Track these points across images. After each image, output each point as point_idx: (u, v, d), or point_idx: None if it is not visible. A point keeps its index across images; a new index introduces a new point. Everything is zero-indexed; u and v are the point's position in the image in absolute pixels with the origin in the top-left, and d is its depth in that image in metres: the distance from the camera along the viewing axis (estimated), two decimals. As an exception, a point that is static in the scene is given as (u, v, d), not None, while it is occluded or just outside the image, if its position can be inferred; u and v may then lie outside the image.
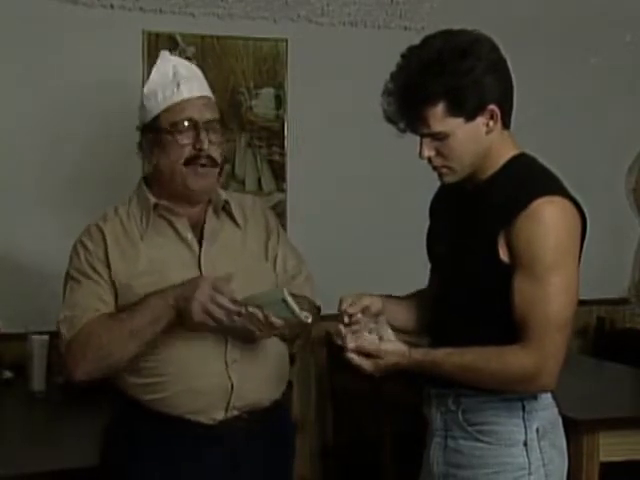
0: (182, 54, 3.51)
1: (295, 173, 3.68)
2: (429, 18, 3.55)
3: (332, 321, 2.04)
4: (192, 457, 2.14)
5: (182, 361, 2.12)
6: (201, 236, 2.22)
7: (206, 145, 2.17)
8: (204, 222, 2.24)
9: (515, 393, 1.92)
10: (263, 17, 3.62)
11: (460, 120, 1.88)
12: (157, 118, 2.20)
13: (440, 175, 1.97)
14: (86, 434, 2.49)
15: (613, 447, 2.77)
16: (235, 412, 2.15)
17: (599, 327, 4.01)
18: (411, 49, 1.92)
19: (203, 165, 2.18)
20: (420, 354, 1.92)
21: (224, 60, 3.57)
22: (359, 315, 2.00)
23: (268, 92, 3.63)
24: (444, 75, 1.84)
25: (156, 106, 2.21)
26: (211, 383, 2.12)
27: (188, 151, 2.17)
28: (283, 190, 3.67)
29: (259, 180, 3.64)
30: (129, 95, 3.45)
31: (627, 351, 3.62)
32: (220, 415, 2.13)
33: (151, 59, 3.48)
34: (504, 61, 1.93)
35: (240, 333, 2.09)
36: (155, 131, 2.21)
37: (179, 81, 2.20)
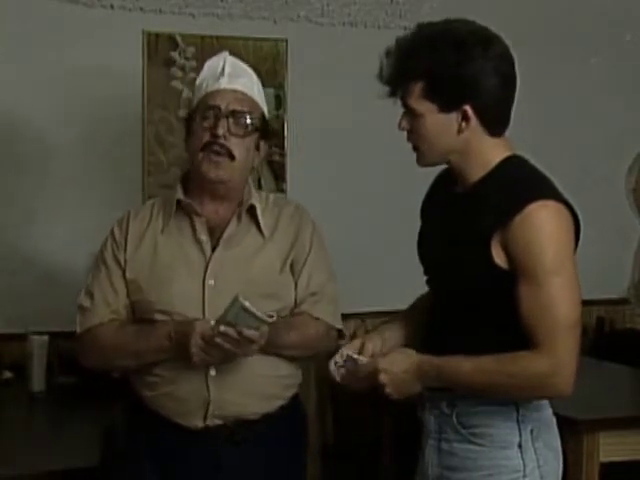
0: (182, 54, 3.52)
1: (295, 173, 3.68)
2: (429, 18, 3.54)
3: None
4: (176, 459, 2.16)
5: (167, 365, 2.15)
6: (219, 240, 2.21)
7: (221, 131, 2.15)
8: (227, 225, 2.22)
9: (531, 400, 1.91)
10: (263, 17, 3.62)
11: (434, 107, 1.88)
12: (195, 108, 2.24)
13: (416, 156, 1.98)
14: (86, 434, 2.49)
15: (613, 447, 2.76)
16: (217, 421, 2.15)
17: (599, 327, 4.01)
18: (427, 23, 1.94)
19: (216, 152, 2.16)
20: (434, 357, 1.91)
21: (224, 60, 3.56)
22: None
23: (268, 92, 3.60)
24: (432, 58, 1.85)
25: (198, 96, 2.24)
26: (189, 391, 2.14)
27: (206, 137, 2.16)
28: (283, 190, 3.66)
29: (259, 180, 3.63)
30: (129, 95, 3.46)
31: (627, 351, 3.62)
32: (199, 422, 2.14)
33: (151, 59, 3.49)
34: (507, 75, 1.89)
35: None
36: (190, 119, 2.24)
37: (222, 74, 2.22)
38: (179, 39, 3.52)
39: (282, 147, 3.66)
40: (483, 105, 1.87)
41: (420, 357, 1.93)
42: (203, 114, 2.18)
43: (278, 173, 3.66)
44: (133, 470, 2.20)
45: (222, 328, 2.01)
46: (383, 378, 1.91)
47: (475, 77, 1.85)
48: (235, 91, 2.21)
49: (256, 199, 2.26)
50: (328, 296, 2.29)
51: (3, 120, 3.33)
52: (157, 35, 3.49)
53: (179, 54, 3.52)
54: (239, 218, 2.23)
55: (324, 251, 2.32)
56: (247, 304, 1.97)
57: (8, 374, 3.14)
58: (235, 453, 2.16)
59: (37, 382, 3.03)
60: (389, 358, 1.93)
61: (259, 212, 2.25)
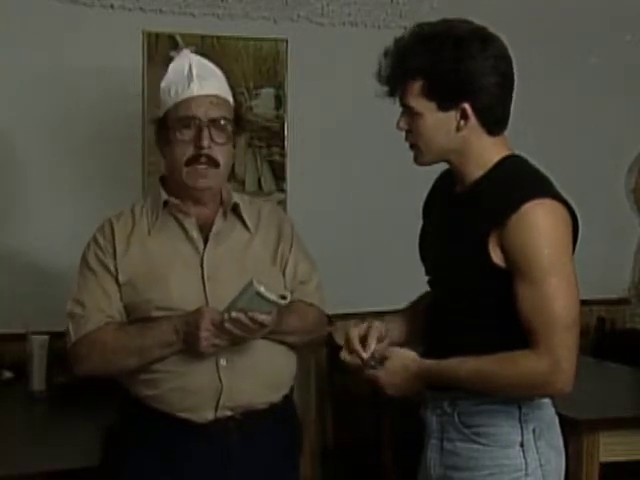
0: (182, 54, 3.52)
1: (295, 173, 3.68)
2: (429, 18, 3.54)
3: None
4: (185, 455, 2.16)
5: (174, 359, 2.15)
6: (208, 236, 2.23)
7: (206, 143, 2.16)
8: (213, 223, 2.25)
9: (531, 398, 1.91)
10: (263, 17, 3.62)
11: (432, 105, 1.88)
12: (167, 114, 2.21)
13: (414, 155, 1.98)
14: (86, 434, 2.49)
15: (613, 447, 2.76)
16: (227, 412, 2.16)
17: (599, 327, 4.01)
18: (425, 23, 1.95)
19: (202, 164, 2.18)
20: (432, 361, 1.92)
21: (224, 60, 3.54)
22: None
23: (268, 92, 3.63)
24: (431, 55, 1.85)
25: (168, 102, 2.21)
26: (201, 382, 2.14)
27: (189, 150, 2.17)
28: (283, 190, 3.67)
29: (259, 180, 3.64)
30: (129, 95, 3.46)
31: (627, 351, 3.62)
32: (210, 414, 2.16)
33: (151, 59, 3.49)
34: (505, 74, 1.89)
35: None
36: (164, 127, 2.22)
37: (191, 78, 2.19)
38: (179, 39, 3.52)
39: (282, 147, 3.66)
40: (482, 103, 1.88)
41: (419, 364, 1.93)
42: (182, 125, 2.17)
43: (278, 173, 3.66)
44: (138, 470, 2.20)
45: (234, 314, 2.04)
46: (385, 389, 1.95)
47: (474, 75, 1.85)
48: (208, 96, 2.20)
49: (237, 198, 2.31)
50: (315, 284, 2.35)
51: (3, 120, 3.33)
52: (157, 35, 3.49)
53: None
54: (224, 216, 2.27)
55: (303, 244, 2.38)
56: (262, 289, 2.00)
57: (8, 374, 3.14)
58: (244, 444, 2.17)
59: (37, 382, 3.03)
60: (387, 370, 1.94)
61: (242, 209, 2.29)
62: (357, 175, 3.72)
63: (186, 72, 2.20)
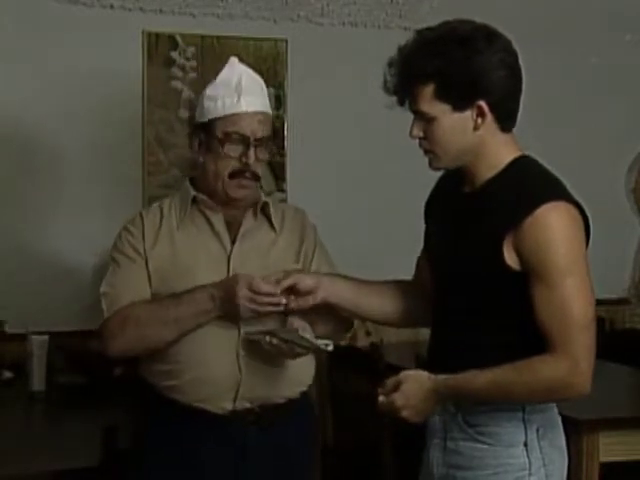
0: (182, 54, 3.52)
1: (295, 173, 3.68)
2: (429, 18, 3.54)
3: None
4: (202, 448, 2.18)
5: (194, 349, 2.18)
6: (236, 234, 2.27)
7: (252, 161, 2.22)
8: (241, 221, 2.29)
9: (552, 402, 1.92)
10: (263, 17, 3.63)
11: (447, 107, 1.87)
12: (211, 122, 2.25)
13: (429, 160, 1.97)
14: (86, 434, 2.49)
15: (613, 447, 2.76)
16: (246, 404, 2.19)
17: (599, 327, 3.98)
18: (426, 28, 1.93)
19: (246, 178, 2.24)
20: (447, 377, 1.90)
21: (224, 60, 3.54)
22: (282, 299, 2.10)
23: (268, 92, 3.61)
24: (439, 57, 1.84)
25: (213, 111, 2.25)
26: (220, 372, 2.17)
27: (234, 164, 2.22)
28: (283, 190, 3.67)
29: (259, 180, 3.64)
30: (129, 95, 3.46)
31: (627, 351, 3.62)
32: (229, 405, 2.18)
33: (151, 59, 3.50)
34: (514, 68, 1.90)
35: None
36: (207, 133, 2.26)
37: (240, 92, 2.24)
38: (179, 39, 3.52)
39: (282, 147, 3.66)
40: (495, 99, 1.87)
41: (434, 381, 1.92)
42: (229, 140, 2.22)
43: (278, 173, 3.67)
44: (153, 465, 2.23)
45: (275, 341, 2.10)
46: (405, 414, 1.93)
47: (485, 71, 1.85)
48: (256, 113, 2.25)
49: (264, 197, 2.35)
50: None
51: (3, 120, 3.33)
52: (157, 35, 3.50)
53: (179, 54, 3.52)
54: (255, 215, 2.31)
55: (325, 247, 2.41)
56: (308, 336, 2.08)
57: (8, 374, 3.15)
58: (261, 439, 2.20)
59: (37, 382, 3.03)
60: (404, 393, 1.92)
61: (272, 210, 2.33)
62: (357, 175, 3.73)
63: (234, 84, 2.25)
